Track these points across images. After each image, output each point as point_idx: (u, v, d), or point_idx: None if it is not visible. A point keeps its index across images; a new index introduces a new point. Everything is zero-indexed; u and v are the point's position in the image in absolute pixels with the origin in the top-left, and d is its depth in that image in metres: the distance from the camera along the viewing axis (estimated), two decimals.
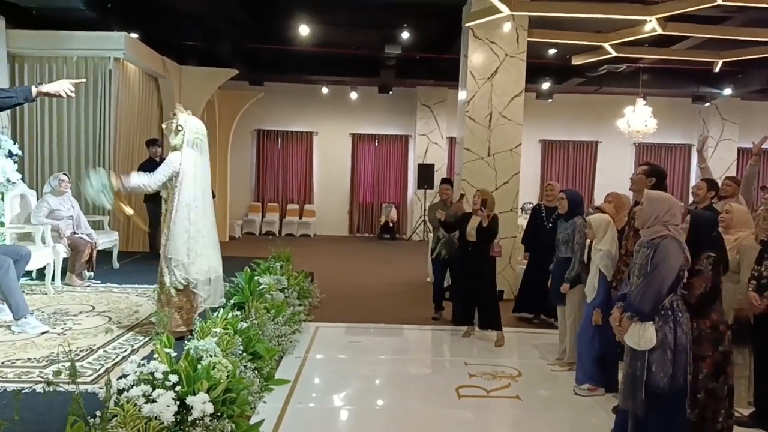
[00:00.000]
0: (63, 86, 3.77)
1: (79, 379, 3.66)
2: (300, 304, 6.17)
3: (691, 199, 5.58)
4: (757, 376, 3.97)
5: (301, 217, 14.49)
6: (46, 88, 3.76)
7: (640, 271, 3.15)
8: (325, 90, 13.75)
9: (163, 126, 4.60)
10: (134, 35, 8.80)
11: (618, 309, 3.25)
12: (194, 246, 4.43)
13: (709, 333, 3.35)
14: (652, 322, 3.03)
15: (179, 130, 4.48)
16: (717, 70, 9.74)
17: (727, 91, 12.61)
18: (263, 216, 14.45)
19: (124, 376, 3.14)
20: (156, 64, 9.52)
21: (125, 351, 4.28)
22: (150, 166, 7.55)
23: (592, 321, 4.40)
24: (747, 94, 13.07)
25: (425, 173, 13.46)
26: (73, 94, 3.82)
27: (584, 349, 4.48)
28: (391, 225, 14.43)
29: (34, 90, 3.72)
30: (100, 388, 3.23)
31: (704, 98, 13.54)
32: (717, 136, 14.36)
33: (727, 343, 3.41)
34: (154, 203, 6.73)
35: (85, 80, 4.45)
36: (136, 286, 6.31)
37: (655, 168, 4.40)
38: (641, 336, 3.05)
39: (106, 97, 8.31)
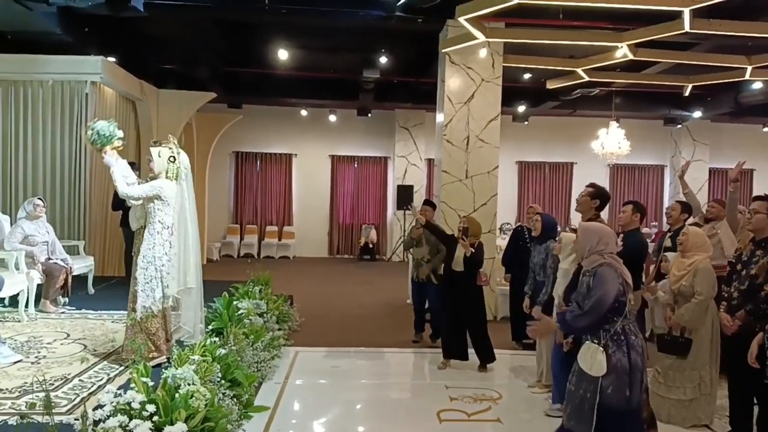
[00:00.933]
0: None
1: (54, 410, 3.61)
2: (279, 329, 6.13)
3: (665, 220, 5.71)
4: (732, 393, 4.04)
5: (280, 239, 14.42)
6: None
7: (584, 299, 3.20)
8: (304, 112, 13.81)
9: (156, 151, 4.57)
10: (111, 59, 8.78)
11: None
12: (171, 269, 4.42)
13: None
14: (602, 348, 3.08)
15: (172, 161, 4.49)
16: (687, 93, 10.04)
17: (697, 114, 12.95)
18: (242, 238, 14.36)
19: (101, 406, 3.10)
20: (133, 88, 9.49)
21: (101, 380, 4.21)
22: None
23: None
24: (716, 116, 13.44)
25: (404, 194, 13.53)
26: None
27: (557, 370, 4.52)
28: (370, 246, 14.44)
29: None
30: (75, 419, 3.17)
31: (675, 120, 13.88)
32: (689, 156, 14.66)
33: None
34: (130, 228, 6.66)
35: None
36: (112, 312, 6.22)
37: (599, 190, 4.58)
38: (592, 362, 3.09)
39: (82, 120, 8.25)
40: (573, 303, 3.27)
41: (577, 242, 3.32)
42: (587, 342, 3.17)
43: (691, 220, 5.68)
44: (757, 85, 10.22)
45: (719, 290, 4.09)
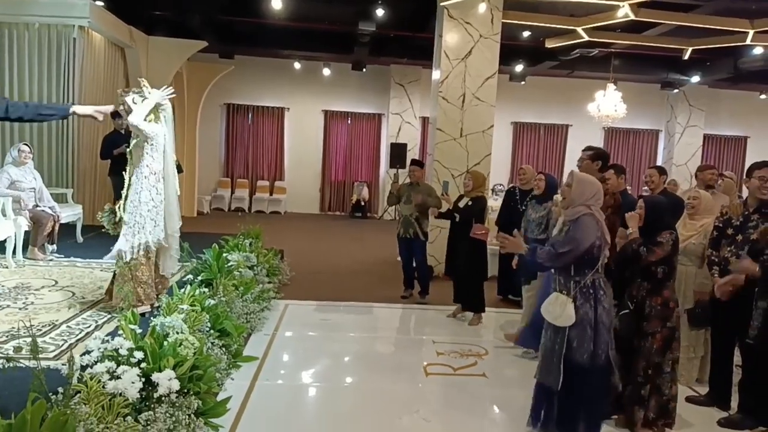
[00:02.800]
0: (92, 111, 4.23)
1: (41, 355, 3.62)
2: (269, 282, 6.15)
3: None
4: (714, 357, 4.10)
5: (271, 194, 14.36)
6: (80, 110, 4.18)
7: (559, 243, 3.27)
8: (297, 65, 13.55)
9: (128, 98, 4.45)
10: (100, 3, 8.53)
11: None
12: (156, 216, 4.38)
13: (659, 310, 3.44)
14: (571, 299, 3.11)
15: (144, 100, 4.38)
16: (686, 57, 9.92)
17: (695, 79, 12.84)
18: (233, 192, 14.28)
19: (88, 352, 3.09)
20: (122, 34, 9.24)
21: (89, 327, 4.21)
22: (115, 138, 7.39)
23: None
24: (714, 81, 13.33)
25: (398, 152, 13.43)
26: (102, 120, 4.33)
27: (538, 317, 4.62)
28: (362, 204, 14.41)
29: (70, 110, 4.07)
30: (62, 365, 3.17)
31: (673, 84, 13.76)
32: (684, 122, 14.64)
33: (675, 319, 3.51)
34: (119, 176, 6.58)
35: (111, 108, 4.61)
36: (100, 260, 6.18)
37: (598, 151, 4.55)
38: (560, 313, 3.12)
39: (69, 66, 8.05)
40: (548, 245, 3.28)
41: (568, 190, 3.24)
42: (555, 293, 3.20)
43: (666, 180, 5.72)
44: (758, 51, 10.09)
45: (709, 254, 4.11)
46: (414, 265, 6.54)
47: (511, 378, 4.57)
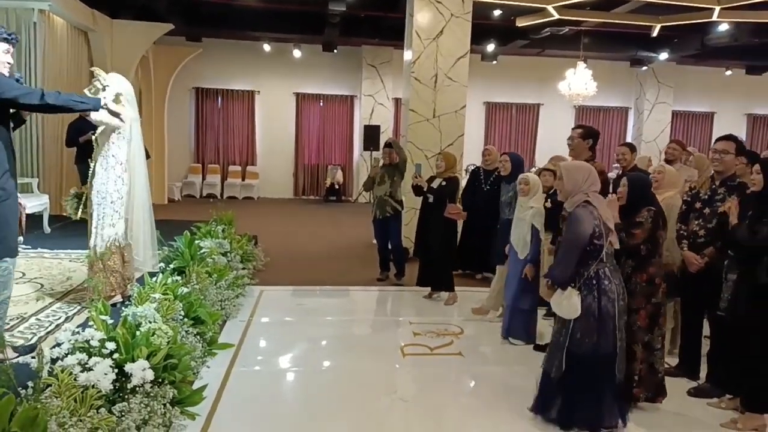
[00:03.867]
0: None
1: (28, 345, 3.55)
2: (244, 268, 6.09)
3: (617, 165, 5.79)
4: (684, 329, 4.20)
5: (243, 179, 14.20)
6: (110, 105, 4.07)
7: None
8: (267, 47, 13.33)
9: (88, 92, 4.32)
10: None
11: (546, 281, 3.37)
12: (121, 208, 4.28)
13: (644, 287, 3.48)
14: (577, 291, 3.10)
15: (105, 88, 4.21)
16: (655, 34, 10.01)
17: (664, 56, 12.98)
18: (204, 178, 14.08)
19: (58, 344, 3.03)
20: (85, 18, 8.97)
21: (59, 319, 4.13)
22: (81, 124, 7.20)
23: (521, 275, 4.59)
24: (682, 58, 13.50)
25: (371, 134, 13.35)
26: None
27: (511, 301, 4.67)
28: (337, 187, 14.35)
29: (102, 102, 3.94)
30: (32, 358, 3.10)
31: (642, 62, 13.90)
32: (653, 99, 14.82)
33: (660, 295, 3.56)
34: (85, 164, 6.43)
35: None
36: (69, 251, 6.06)
37: (589, 130, 4.54)
38: (566, 305, 3.13)
39: (31, 52, 7.81)
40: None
41: (562, 183, 3.24)
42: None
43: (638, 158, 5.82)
44: (724, 27, 10.23)
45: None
46: (389, 247, 6.55)
47: (487, 356, 4.62)
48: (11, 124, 3.54)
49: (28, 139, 7.96)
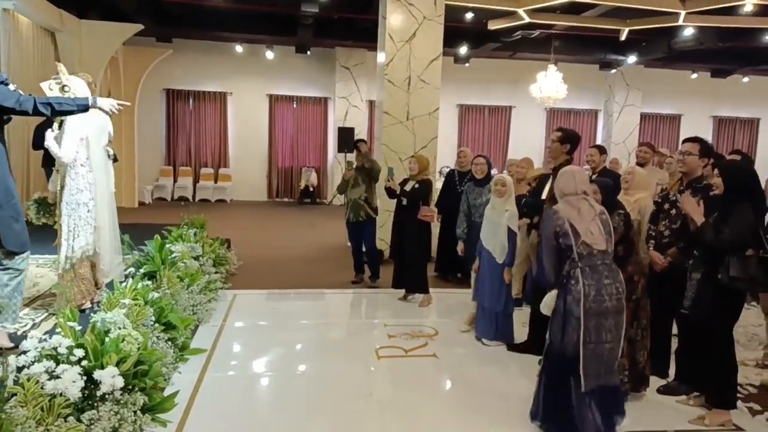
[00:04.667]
0: (112, 104, 4.02)
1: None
2: (216, 272, 6.03)
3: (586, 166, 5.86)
4: (653, 328, 4.27)
5: (216, 182, 14.04)
6: (99, 103, 3.96)
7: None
8: (239, 48, 13.21)
9: (46, 85, 4.23)
10: None
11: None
12: (94, 213, 4.18)
13: (625, 285, 3.50)
14: (555, 290, 3.22)
15: (66, 91, 4.13)
16: (623, 38, 10.21)
17: (632, 59, 13.23)
18: (175, 180, 13.87)
19: (24, 352, 2.95)
20: (52, 17, 8.78)
21: (25, 326, 4.03)
22: (48, 126, 7.03)
23: (499, 278, 4.61)
24: (650, 61, 13.77)
25: (345, 137, 13.27)
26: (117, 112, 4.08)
27: (489, 304, 4.69)
28: (311, 189, 14.28)
29: (90, 102, 3.88)
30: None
31: (611, 65, 14.15)
32: (622, 101, 15.08)
33: (639, 291, 3.68)
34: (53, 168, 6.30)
35: (129, 104, 4.22)
36: (36, 256, 5.89)
37: (568, 133, 4.45)
38: (546, 302, 3.27)
39: None
40: None
41: (555, 186, 3.35)
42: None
43: (606, 159, 5.89)
44: (689, 31, 10.47)
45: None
46: (364, 249, 6.54)
47: (462, 357, 4.63)
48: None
49: None
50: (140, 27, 10.08)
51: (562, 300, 3.16)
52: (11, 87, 3.65)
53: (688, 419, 3.60)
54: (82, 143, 4.16)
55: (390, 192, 6.01)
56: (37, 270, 5.53)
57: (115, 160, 8.77)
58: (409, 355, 4.56)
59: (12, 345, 3.57)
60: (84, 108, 3.81)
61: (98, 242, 4.21)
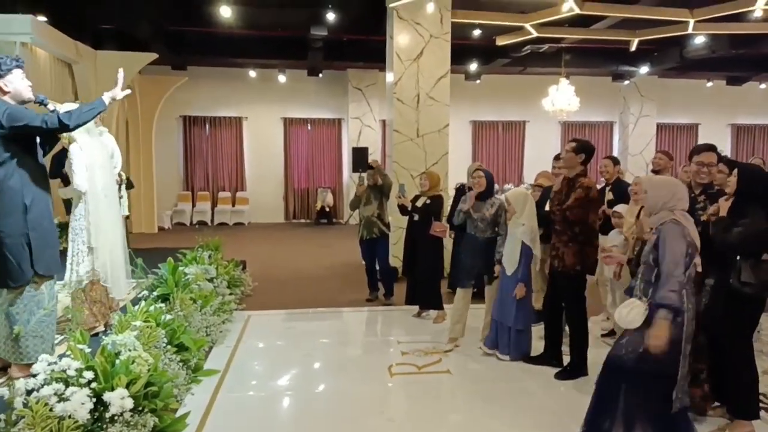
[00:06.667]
0: (115, 93, 3.99)
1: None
2: (231, 293, 6.06)
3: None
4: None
5: (234, 205, 14.19)
6: (111, 96, 3.96)
7: (644, 258, 3.02)
8: (252, 73, 13.43)
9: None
10: (42, 18, 8.29)
11: (630, 305, 3.01)
12: (99, 237, 4.22)
13: None
14: (646, 305, 2.91)
15: None
16: (633, 48, 10.17)
17: (644, 69, 13.16)
18: (194, 205, 14.06)
19: (33, 375, 2.98)
20: (68, 49, 9.02)
21: None
22: (63, 156, 7.19)
23: (511, 292, 4.55)
24: (663, 71, 13.68)
25: (359, 156, 13.31)
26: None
27: (508, 320, 4.62)
28: (327, 210, 14.35)
29: (106, 98, 3.89)
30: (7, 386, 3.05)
31: (624, 76, 14.08)
32: (637, 112, 14.98)
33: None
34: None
35: (129, 91, 4.24)
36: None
37: (583, 144, 4.40)
38: (628, 314, 2.94)
39: None
40: (641, 275, 3.03)
41: (645, 197, 3.05)
42: (634, 298, 3.00)
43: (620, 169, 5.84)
44: (700, 39, 10.40)
45: None
46: (377, 267, 6.54)
47: (476, 373, 4.56)
48: (40, 149, 3.69)
49: None
50: (155, 56, 10.30)
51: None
52: (51, 107, 3.69)
53: (709, 430, 3.50)
54: (90, 170, 4.21)
55: (402, 209, 6.01)
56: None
57: (130, 186, 8.91)
58: (423, 372, 4.51)
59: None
60: (101, 105, 3.82)
61: (107, 266, 4.24)
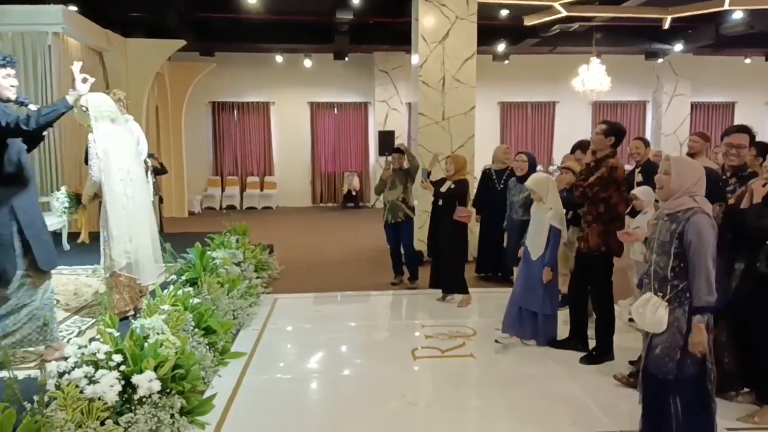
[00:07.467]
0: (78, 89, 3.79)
1: (23, 364, 3.64)
2: (258, 277, 6.14)
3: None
4: None
5: (262, 190, 14.34)
6: (76, 92, 3.78)
7: (661, 248, 2.81)
8: (279, 58, 13.46)
9: (74, 115, 4.38)
10: (73, 8, 8.44)
11: (645, 301, 2.87)
12: (131, 222, 4.29)
13: None
14: (666, 303, 2.74)
15: (84, 111, 4.26)
16: (666, 26, 9.86)
17: (678, 47, 12.77)
18: (223, 190, 14.26)
19: (65, 358, 3.09)
20: (99, 38, 9.16)
21: (72, 333, 4.21)
22: None
23: (536, 277, 4.51)
24: (698, 49, 13.26)
25: (386, 140, 13.36)
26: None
27: (533, 305, 4.58)
28: (354, 193, 14.39)
29: (70, 98, 3.72)
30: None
31: (657, 54, 13.70)
32: (671, 91, 14.59)
33: None
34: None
35: (93, 80, 4.09)
36: (87, 266, 6.16)
37: (613, 126, 4.30)
38: (650, 318, 2.77)
39: (46, 74, 7.98)
40: (648, 256, 2.89)
41: (665, 179, 2.82)
42: (649, 293, 2.83)
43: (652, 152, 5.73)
44: (738, 15, 10.03)
45: None
46: (402, 251, 6.55)
47: (500, 357, 4.55)
48: (22, 146, 3.62)
49: (46, 158, 8.14)
50: (183, 43, 10.40)
51: (685, 315, 2.72)
52: (33, 107, 3.60)
53: (737, 416, 3.44)
54: (105, 156, 4.24)
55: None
56: (87, 280, 5.77)
57: (164, 171, 9.03)
58: (446, 356, 4.53)
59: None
60: (64, 105, 3.66)
61: (136, 252, 4.32)
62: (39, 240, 3.66)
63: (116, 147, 4.29)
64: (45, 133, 3.86)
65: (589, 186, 4.18)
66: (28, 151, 3.78)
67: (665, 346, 2.74)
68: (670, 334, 2.73)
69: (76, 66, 3.91)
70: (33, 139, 3.74)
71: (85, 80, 3.83)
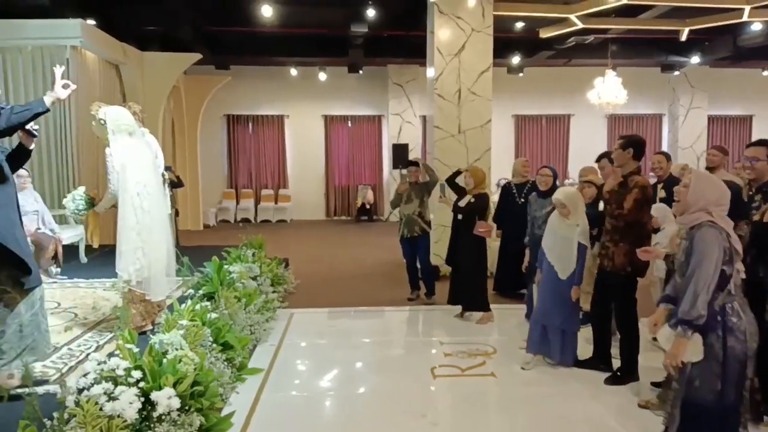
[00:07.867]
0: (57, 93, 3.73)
1: (42, 379, 3.60)
2: (274, 291, 6.10)
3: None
4: None
5: (276, 203, 14.35)
6: (55, 94, 3.71)
7: (680, 270, 2.75)
8: (293, 71, 13.52)
9: (92, 128, 4.40)
10: (91, 22, 8.52)
11: (660, 314, 2.87)
12: (146, 236, 4.26)
13: None
14: (699, 333, 2.62)
15: (102, 124, 4.28)
16: (684, 38, 9.80)
17: (695, 60, 12.67)
18: (237, 203, 14.28)
19: (85, 374, 3.05)
20: (116, 51, 9.25)
21: (90, 348, 4.18)
22: None
23: (562, 295, 4.41)
24: (715, 61, 13.15)
25: (400, 153, 13.32)
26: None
27: (561, 324, 4.47)
28: (368, 207, 14.36)
29: (47, 100, 3.65)
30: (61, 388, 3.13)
31: (673, 67, 13.60)
32: (687, 104, 14.47)
33: None
34: None
35: (74, 85, 3.95)
36: (104, 280, 6.16)
37: (629, 138, 4.23)
38: (686, 348, 2.65)
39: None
40: (675, 278, 2.82)
41: (684, 192, 2.76)
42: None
43: (673, 166, 5.62)
44: (757, 27, 9.94)
45: None
46: (419, 266, 6.48)
47: (521, 376, 4.45)
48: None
49: (63, 170, 8.20)
50: (199, 56, 10.48)
51: (719, 340, 2.62)
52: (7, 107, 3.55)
53: None
54: (123, 170, 4.24)
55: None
56: (104, 293, 5.75)
57: (180, 185, 9.06)
58: (466, 374, 4.44)
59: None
60: (39, 106, 3.60)
61: (149, 267, 4.29)
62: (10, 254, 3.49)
63: (134, 161, 4.29)
64: (32, 147, 3.86)
65: (628, 212, 4.05)
66: (14, 170, 3.72)
67: (702, 377, 2.65)
68: (706, 364, 2.63)
69: (58, 70, 3.86)
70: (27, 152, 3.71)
71: (66, 86, 3.77)
